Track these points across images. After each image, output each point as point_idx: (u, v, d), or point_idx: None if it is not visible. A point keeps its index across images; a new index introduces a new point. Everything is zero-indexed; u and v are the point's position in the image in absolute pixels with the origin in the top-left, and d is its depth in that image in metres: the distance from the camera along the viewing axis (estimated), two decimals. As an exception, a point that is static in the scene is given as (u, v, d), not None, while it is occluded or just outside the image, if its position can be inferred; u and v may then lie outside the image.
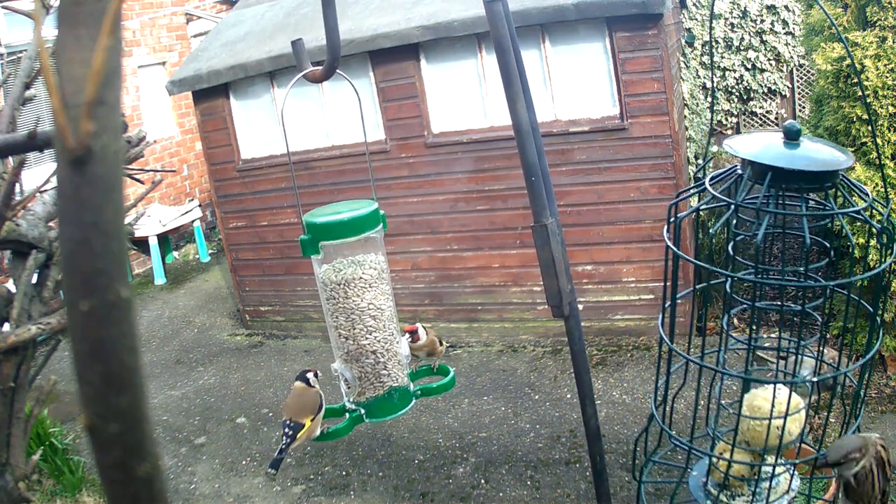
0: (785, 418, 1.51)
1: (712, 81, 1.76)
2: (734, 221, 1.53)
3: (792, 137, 1.50)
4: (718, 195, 1.52)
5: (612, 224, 5.54)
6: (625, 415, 4.72)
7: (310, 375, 1.97)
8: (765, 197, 1.46)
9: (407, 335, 2.13)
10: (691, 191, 1.68)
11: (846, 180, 1.52)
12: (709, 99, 8.72)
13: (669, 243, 1.57)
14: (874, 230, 1.50)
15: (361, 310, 1.96)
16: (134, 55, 8.98)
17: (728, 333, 1.66)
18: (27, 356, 1.88)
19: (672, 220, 1.58)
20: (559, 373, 5.35)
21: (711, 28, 2.18)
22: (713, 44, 8.72)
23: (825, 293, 1.60)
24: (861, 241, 4.10)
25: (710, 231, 1.49)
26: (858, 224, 3.42)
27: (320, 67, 1.94)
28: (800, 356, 1.63)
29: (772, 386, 1.58)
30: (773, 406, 1.59)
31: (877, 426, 4.17)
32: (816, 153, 1.53)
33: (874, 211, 1.57)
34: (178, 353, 6.75)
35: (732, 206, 1.48)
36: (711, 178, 1.60)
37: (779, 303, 1.73)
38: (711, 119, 1.94)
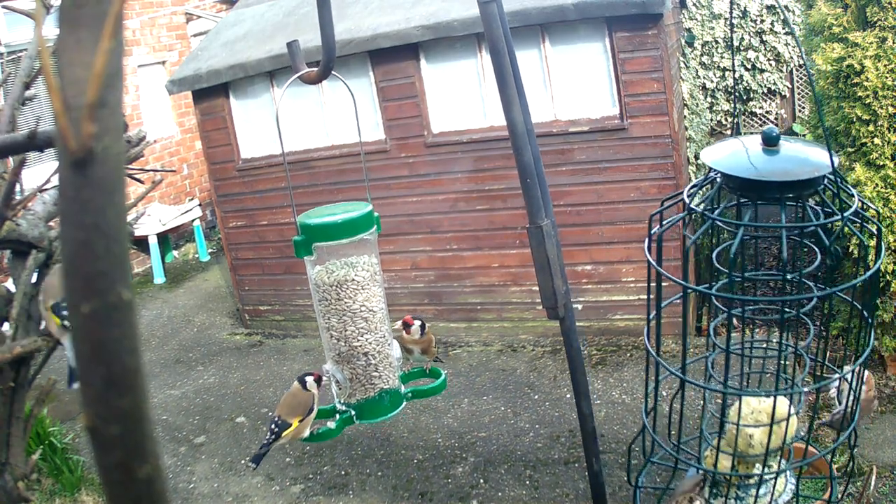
0: (737, 426, 1.51)
1: (734, 80, 1.76)
2: (707, 229, 1.53)
3: (770, 144, 1.48)
4: (693, 207, 1.51)
5: (612, 224, 5.55)
6: (624, 415, 4.72)
7: (308, 379, 1.97)
8: (734, 206, 1.46)
9: (405, 325, 2.12)
10: (671, 201, 1.68)
11: (840, 183, 1.51)
12: (709, 99, 8.73)
13: (650, 257, 1.56)
14: (868, 234, 1.49)
15: (354, 311, 1.96)
16: (134, 54, 8.98)
17: (714, 340, 1.67)
18: (27, 358, 1.88)
19: (653, 231, 1.58)
20: (559, 372, 5.35)
21: (732, 24, 2.18)
22: (712, 44, 8.71)
23: (815, 298, 1.59)
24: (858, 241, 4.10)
25: (687, 245, 1.49)
26: (858, 225, 3.42)
27: (316, 69, 1.94)
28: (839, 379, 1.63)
29: (765, 394, 1.58)
30: (739, 414, 1.60)
31: (876, 426, 4.17)
32: (791, 161, 1.50)
33: (870, 210, 1.57)
34: (177, 353, 6.75)
35: (706, 218, 1.47)
36: (692, 186, 1.59)
37: (775, 305, 1.73)
38: (735, 118, 1.94)
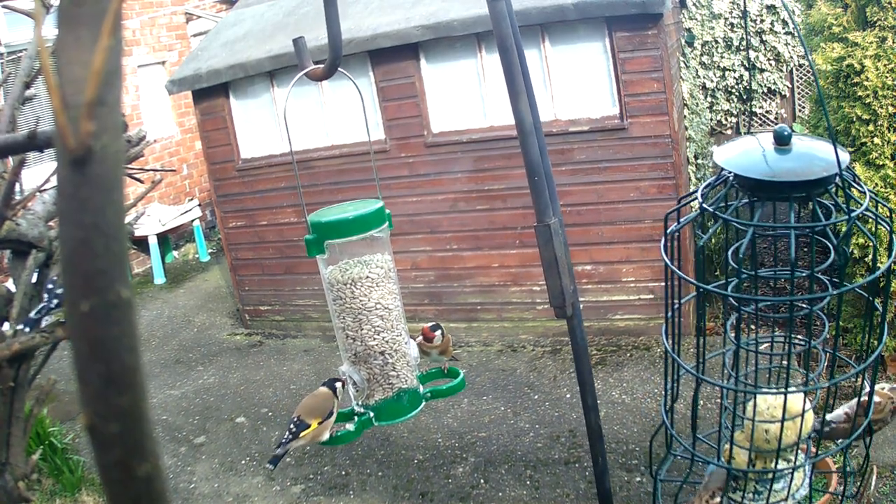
0: (753, 422, 1.51)
1: (749, 75, 1.76)
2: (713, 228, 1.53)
3: (782, 143, 1.47)
4: (705, 207, 1.51)
5: (612, 224, 5.55)
6: (624, 415, 4.72)
7: (338, 385, 1.94)
8: (746, 204, 1.46)
9: (427, 339, 2.11)
10: (688, 199, 1.68)
11: (849, 181, 1.50)
12: (709, 99, 8.72)
13: (666, 259, 1.56)
14: (870, 230, 1.49)
15: (368, 310, 1.95)
16: (134, 54, 8.98)
17: (728, 338, 1.67)
18: (27, 356, 1.88)
19: (668, 231, 1.58)
20: (559, 373, 5.36)
21: (746, 21, 2.18)
22: (712, 44, 8.71)
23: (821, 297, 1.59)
24: (862, 241, 4.10)
25: (699, 243, 1.49)
26: (869, 223, 3.42)
27: (321, 66, 1.93)
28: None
29: (781, 390, 1.58)
30: (755, 410, 1.60)
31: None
32: (802, 159, 1.50)
33: (880, 207, 1.57)
34: (177, 353, 6.75)
35: (719, 218, 1.47)
36: (706, 186, 1.59)
37: (781, 303, 1.73)
38: (747, 117, 1.94)
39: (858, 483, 1.90)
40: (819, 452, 1.69)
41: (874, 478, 2.83)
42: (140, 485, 0.42)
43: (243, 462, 4.84)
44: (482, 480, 4.30)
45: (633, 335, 5.68)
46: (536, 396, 5.11)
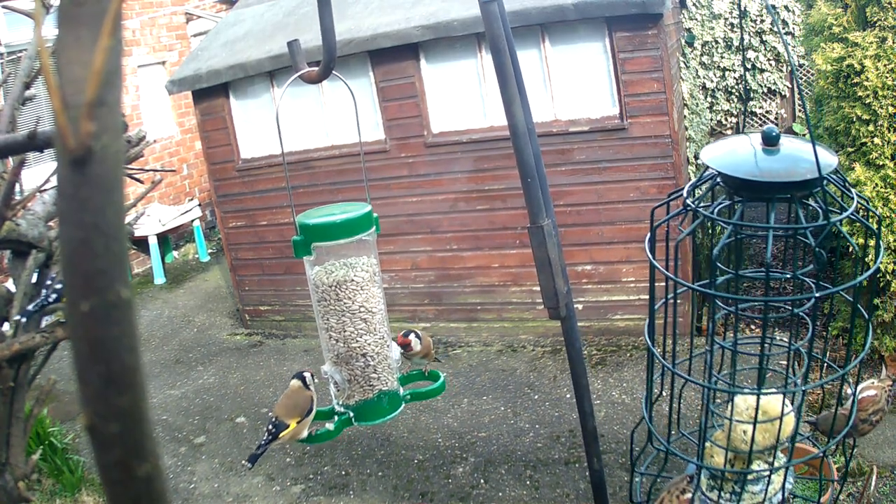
0: (730, 422, 1.50)
1: (744, 74, 1.76)
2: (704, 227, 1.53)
3: (770, 143, 1.47)
4: (689, 204, 1.52)
5: (612, 224, 5.55)
6: (624, 415, 4.72)
7: (307, 375, 1.97)
8: (731, 204, 1.46)
9: (405, 349, 2.12)
10: (674, 196, 1.68)
11: (838, 184, 1.50)
12: (709, 99, 8.72)
13: (650, 255, 1.57)
14: (862, 234, 1.49)
15: (353, 312, 1.96)
16: (134, 54, 8.98)
17: (713, 337, 1.67)
18: (27, 356, 1.88)
19: (653, 229, 1.58)
20: (559, 372, 5.35)
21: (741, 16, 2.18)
22: (712, 44, 8.71)
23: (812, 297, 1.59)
24: (860, 241, 4.10)
25: (677, 240, 1.50)
26: (857, 225, 3.42)
27: (316, 69, 1.94)
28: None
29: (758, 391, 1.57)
30: (732, 412, 1.60)
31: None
32: (788, 161, 1.49)
33: (869, 210, 1.57)
34: (177, 353, 6.75)
35: (701, 217, 1.48)
36: (692, 185, 1.59)
37: (775, 304, 1.73)
38: (743, 117, 1.94)
39: (841, 486, 1.89)
40: (794, 456, 1.69)
41: (874, 478, 2.83)
42: (140, 485, 0.42)
43: (243, 462, 4.84)
44: (482, 480, 4.30)
45: (633, 335, 5.68)
46: (536, 396, 5.11)
